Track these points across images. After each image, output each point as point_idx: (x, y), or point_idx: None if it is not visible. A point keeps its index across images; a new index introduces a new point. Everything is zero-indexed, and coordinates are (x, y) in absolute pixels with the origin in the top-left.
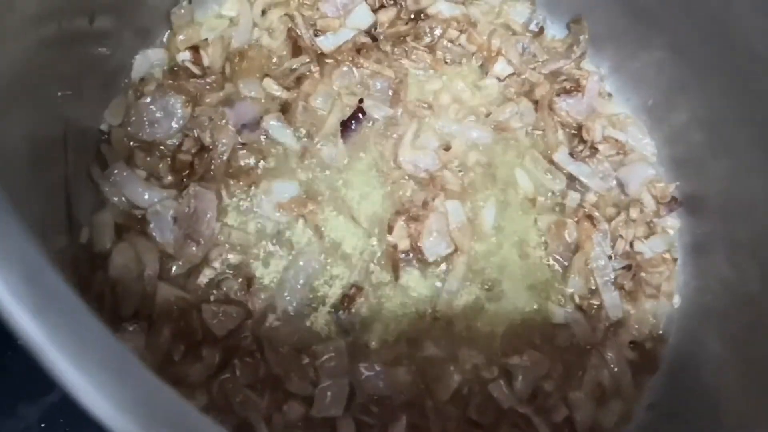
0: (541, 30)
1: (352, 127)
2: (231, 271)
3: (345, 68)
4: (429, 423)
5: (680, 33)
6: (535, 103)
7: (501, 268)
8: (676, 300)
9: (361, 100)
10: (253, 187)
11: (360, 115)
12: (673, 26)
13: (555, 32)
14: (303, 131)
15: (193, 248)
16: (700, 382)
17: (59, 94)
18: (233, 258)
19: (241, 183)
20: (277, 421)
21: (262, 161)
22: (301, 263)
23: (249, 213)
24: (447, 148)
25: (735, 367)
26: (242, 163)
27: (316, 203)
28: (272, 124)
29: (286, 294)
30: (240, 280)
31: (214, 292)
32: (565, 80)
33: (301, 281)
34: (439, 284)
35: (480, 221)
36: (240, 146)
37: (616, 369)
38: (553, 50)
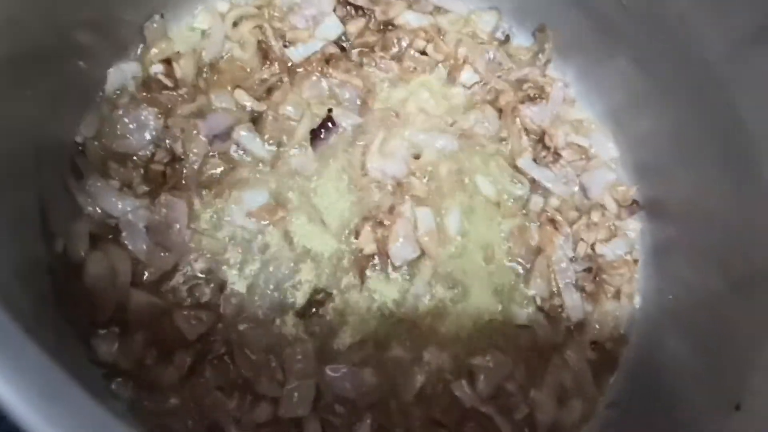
0: (507, 38)
1: (322, 136)
2: (203, 276)
3: (314, 78)
4: (393, 423)
5: (641, 45)
6: (500, 110)
7: (465, 272)
8: (637, 301)
9: (330, 110)
10: (224, 196)
11: (329, 124)
12: (634, 38)
13: (521, 41)
14: (273, 141)
15: (165, 256)
16: (660, 380)
17: (35, 108)
18: (204, 264)
19: (212, 192)
20: (246, 421)
21: (232, 171)
22: (271, 269)
23: (220, 221)
24: (417, 157)
25: (693, 366)
26: (213, 173)
27: (286, 210)
28: (243, 134)
29: (256, 299)
30: (212, 285)
31: (186, 297)
32: (530, 87)
33: (272, 286)
34: (405, 288)
35: (445, 226)
36: (211, 156)
37: (577, 369)
38: (519, 58)
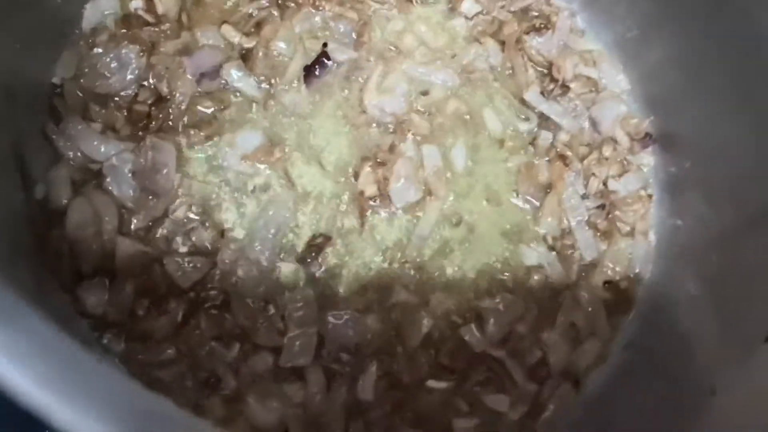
0: None
1: (317, 73)
2: (197, 221)
3: (307, 11)
4: (400, 369)
5: None
6: (503, 43)
7: (472, 212)
8: (652, 238)
9: (325, 44)
10: (215, 138)
11: (324, 59)
12: None
13: None
14: (265, 79)
15: (153, 201)
16: (675, 321)
17: (6, 48)
18: (196, 210)
19: (201, 133)
20: (245, 372)
21: (223, 111)
22: (271, 213)
23: (211, 163)
24: (425, 93)
25: (709, 304)
26: (202, 113)
27: (283, 151)
28: (232, 72)
29: (257, 244)
30: (208, 231)
31: (180, 244)
32: (535, 17)
33: (273, 230)
34: (409, 229)
35: (451, 163)
36: (199, 96)
37: (590, 309)
38: None
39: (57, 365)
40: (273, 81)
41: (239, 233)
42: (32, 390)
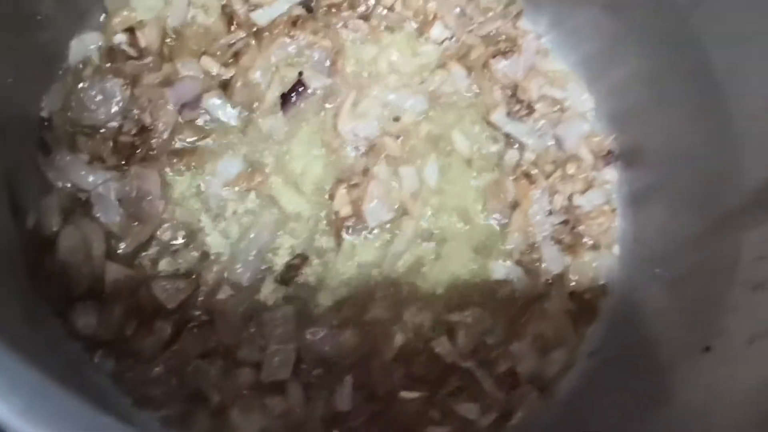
0: None
1: (293, 100)
2: (181, 245)
3: (282, 41)
4: (375, 382)
5: None
6: (469, 68)
7: (443, 229)
8: (616, 250)
9: (300, 73)
10: (198, 166)
11: (300, 87)
12: None
13: None
14: (243, 107)
15: (139, 227)
16: (638, 327)
17: None
18: (180, 234)
19: (183, 161)
20: (229, 386)
21: (203, 139)
22: (252, 235)
23: (194, 189)
24: (396, 119)
25: (668, 310)
26: (184, 143)
27: (264, 174)
28: (212, 101)
29: (239, 266)
30: (192, 254)
31: (166, 266)
32: (502, 41)
33: (254, 252)
34: (383, 248)
35: (424, 181)
36: (181, 125)
37: (556, 319)
38: (490, 11)
39: (32, 396)
40: (252, 108)
41: (222, 255)
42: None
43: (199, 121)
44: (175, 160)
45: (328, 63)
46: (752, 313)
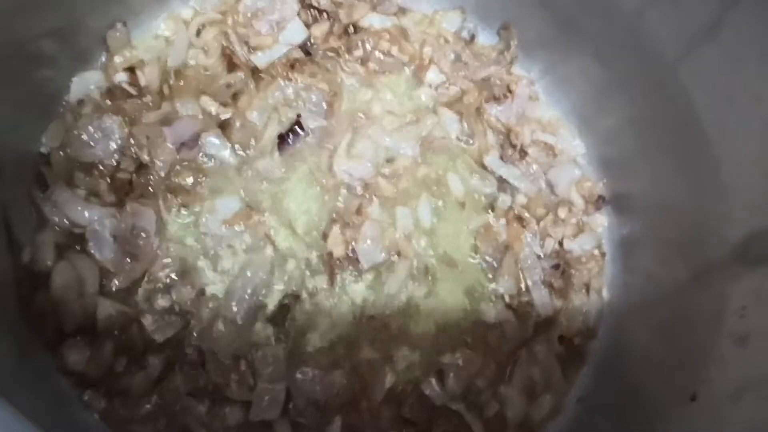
0: (473, 38)
1: (290, 141)
2: (174, 282)
3: (280, 83)
4: (364, 423)
5: (602, 41)
6: (461, 113)
7: (435, 271)
8: (605, 295)
9: (299, 115)
10: (193, 206)
11: (298, 129)
12: (595, 34)
13: (486, 39)
14: (241, 147)
15: (133, 264)
16: (626, 374)
17: None
18: (174, 272)
19: (179, 199)
20: (217, 425)
21: (201, 179)
22: (249, 274)
23: (190, 227)
24: (390, 160)
25: (656, 358)
26: (182, 182)
27: (261, 214)
28: (210, 140)
29: (234, 304)
30: (186, 290)
31: (159, 303)
32: (495, 86)
33: (249, 291)
34: (376, 288)
35: (418, 222)
36: (179, 166)
37: (545, 364)
38: (484, 57)
39: None
40: (249, 148)
41: (218, 292)
42: None
43: (197, 162)
44: (171, 198)
45: (324, 105)
46: (737, 366)
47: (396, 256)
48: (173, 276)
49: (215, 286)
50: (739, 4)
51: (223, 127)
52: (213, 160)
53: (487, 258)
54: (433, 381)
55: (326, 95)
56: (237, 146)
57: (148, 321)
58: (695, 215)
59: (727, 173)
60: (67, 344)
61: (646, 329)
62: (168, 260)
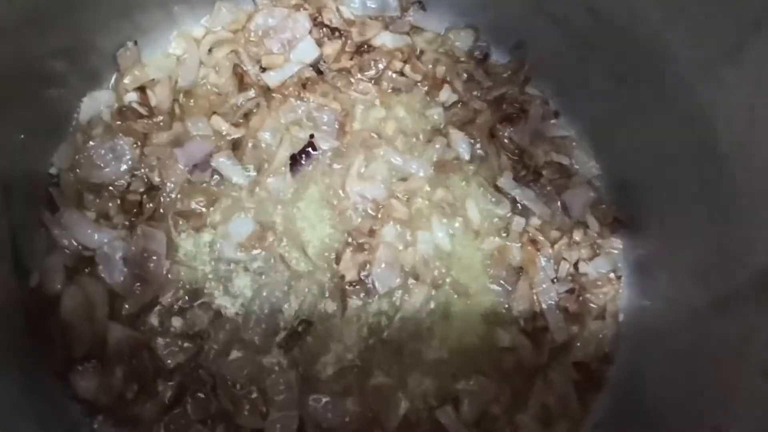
0: (486, 57)
1: (302, 162)
2: (189, 303)
3: (291, 102)
4: None
5: (618, 61)
6: (475, 134)
7: (448, 295)
8: (621, 320)
9: (312, 135)
10: (202, 227)
11: (311, 149)
12: (610, 54)
13: (499, 58)
14: (253, 167)
15: (144, 288)
16: (643, 401)
17: (5, 140)
18: (184, 295)
19: (190, 222)
20: None
21: (213, 202)
22: (264, 294)
23: (203, 249)
24: (403, 179)
25: (675, 386)
26: (193, 206)
27: (275, 234)
28: (221, 161)
29: (251, 325)
30: (204, 310)
31: (171, 326)
32: (509, 106)
33: (266, 311)
34: (388, 314)
35: (435, 247)
36: (190, 188)
37: (561, 390)
38: (498, 76)
39: None
40: (260, 169)
41: (233, 315)
42: None
43: (208, 185)
44: (181, 222)
45: (336, 125)
46: (765, 402)
47: (413, 280)
48: (184, 299)
49: (230, 309)
50: (761, 28)
51: (235, 147)
52: (224, 182)
53: (501, 282)
54: (449, 409)
55: (338, 115)
56: (249, 167)
57: (159, 345)
58: (715, 240)
59: (748, 197)
60: (77, 371)
61: (665, 356)
62: (179, 283)
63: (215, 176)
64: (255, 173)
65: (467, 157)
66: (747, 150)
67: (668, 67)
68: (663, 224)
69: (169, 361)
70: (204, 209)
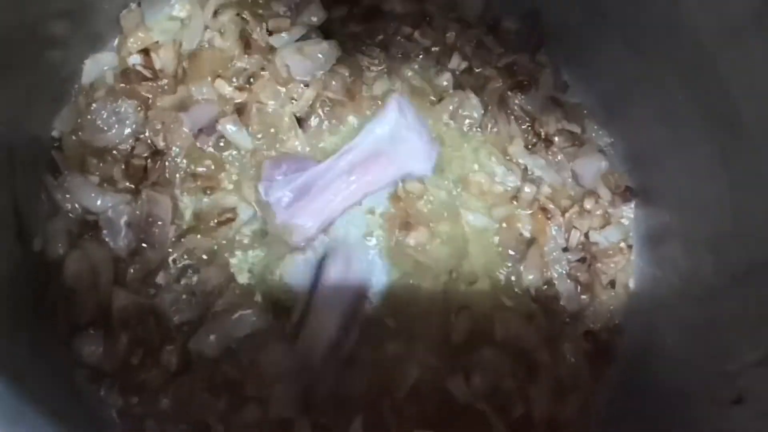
0: (497, 23)
1: (309, 122)
2: (194, 267)
3: None
4: (386, 421)
5: (633, 28)
6: (486, 101)
7: (458, 264)
8: (632, 290)
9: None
10: (212, 189)
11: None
12: (625, 21)
13: (510, 25)
14: (261, 132)
15: (149, 253)
16: (655, 372)
17: (7, 103)
18: (191, 260)
19: (200, 184)
20: (235, 422)
21: (221, 168)
22: (275, 257)
23: (209, 214)
24: None
25: (689, 358)
26: (200, 170)
27: None
28: (228, 127)
29: (261, 290)
30: (214, 272)
31: (183, 282)
32: (519, 74)
33: (278, 274)
34: (400, 282)
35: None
36: (197, 152)
37: (572, 361)
38: (509, 43)
39: None
40: (266, 134)
41: (242, 279)
42: None
43: (216, 147)
44: (192, 185)
45: (345, 89)
46: None
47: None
48: (192, 263)
49: (239, 271)
50: None
51: (240, 112)
52: (231, 147)
53: (511, 251)
54: (460, 378)
55: (346, 80)
56: (256, 132)
57: (165, 302)
58: (732, 211)
59: None
60: (81, 336)
61: (677, 327)
62: (185, 249)
63: (222, 142)
64: (261, 138)
65: (478, 116)
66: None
67: (685, 34)
68: (678, 195)
69: (176, 318)
70: (214, 172)
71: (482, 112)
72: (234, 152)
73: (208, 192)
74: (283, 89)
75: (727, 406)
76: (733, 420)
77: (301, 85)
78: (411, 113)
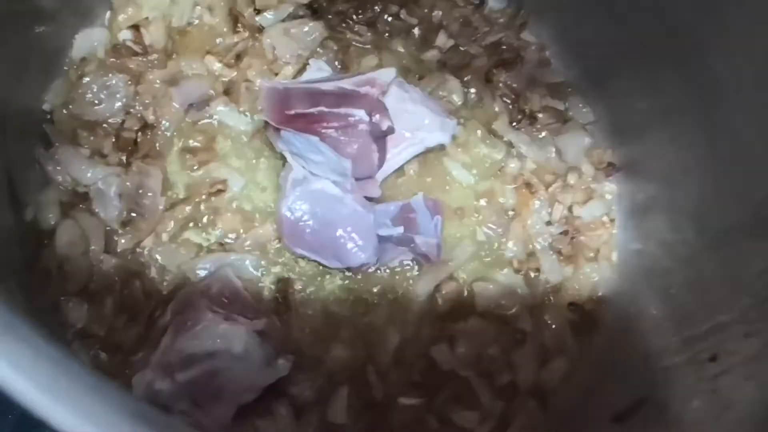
0: (482, 2)
1: None
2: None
3: None
4: (373, 387)
5: (616, 4)
6: (467, 79)
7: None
8: (615, 262)
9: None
10: (207, 161)
11: None
12: None
13: (495, 3)
14: (251, 111)
15: (139, 224)
16: (639, 340)
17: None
18: (181, 230)
19: (197, 157)
20: None
21: (213, 141)
22: (260, 231)
23: (199, 185)
24: None
25: (670, 324)
26: (192, 144)
27: None
28: (220, 109)
29: (246, 260)
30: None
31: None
32: (505, 51)
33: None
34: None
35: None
36: (190, 126)
37: (557, 329)
38: (494, 21)
39: (55, 372)
40: (256, 112)
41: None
42: (34, 395)
43: (206, 124)
44: (187, 157)
45: (336, 64)
46: (762, 327)
47: None
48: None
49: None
50: None
51: (229, 91)
52: (223, 127)
53: (492, 225)
54: (444, 346)
55: (336, 55)
56: (246, 112)
57: (154, 271)
58: (711, 179)
59: (749, 134)
60: (71, 302)
61: (659, 297)
62: (176, 219)
63: (213, 121)
64: (251, 117)
65: (459, 102)
66: (747, 91)
67: (668, 5)
68: (659, 168)
69: (165, 283)
70: (208, 144)
71: (463, 98)
72: (225, 128)
73: (199, 165)
74: (271, 68)
75: (704, 365)
76: (707, 377)
77: (288, 66)
78: (412, 88)
